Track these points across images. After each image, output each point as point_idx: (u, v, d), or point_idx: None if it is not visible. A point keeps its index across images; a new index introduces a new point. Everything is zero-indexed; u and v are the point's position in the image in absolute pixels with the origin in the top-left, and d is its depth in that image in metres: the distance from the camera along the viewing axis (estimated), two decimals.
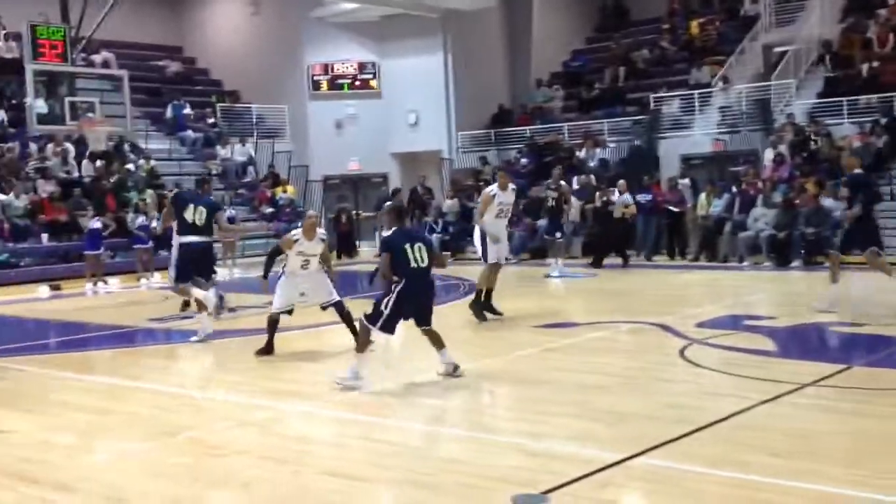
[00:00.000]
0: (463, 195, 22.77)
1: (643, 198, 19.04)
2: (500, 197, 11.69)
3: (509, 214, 11.99)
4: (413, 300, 7.79)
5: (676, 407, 6.73)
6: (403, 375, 8.49)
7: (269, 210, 23.76)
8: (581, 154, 22.93)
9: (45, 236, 19.63)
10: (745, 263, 17.25)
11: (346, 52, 26.72)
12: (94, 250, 18.00)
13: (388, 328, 7.79)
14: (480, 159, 24.70)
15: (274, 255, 9.73)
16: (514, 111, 26.96)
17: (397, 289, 7.70)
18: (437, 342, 8.07)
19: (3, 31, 24.06)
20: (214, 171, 24.69)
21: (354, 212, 24.96)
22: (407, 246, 7.74)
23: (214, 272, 11.54)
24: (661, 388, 7.52)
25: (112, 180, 21.49)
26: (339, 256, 22.89)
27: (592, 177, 21.33)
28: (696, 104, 22.64)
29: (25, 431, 6.80)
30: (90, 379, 9.12)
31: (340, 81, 26.71)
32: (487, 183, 23.28)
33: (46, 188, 20.32)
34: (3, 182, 19.77)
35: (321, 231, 9.52)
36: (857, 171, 11.13)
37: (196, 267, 10.99)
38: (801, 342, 9.74)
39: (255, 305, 13.97)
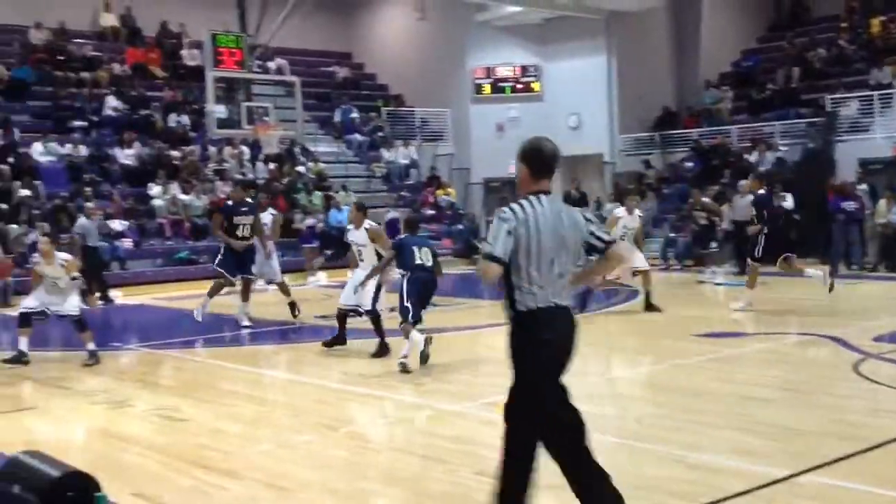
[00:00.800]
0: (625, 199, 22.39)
1: (848, 205, 18.00)
2: (625, 220, 12.51)
3: (632, 236, 12.63)
4: (418, 287, 9.01)
5: (847, 423, 6.40)
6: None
7: (431, 212, 24.15)
8: (751, 158, 22.12)
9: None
10: None
11: (509, 55, 26.83)
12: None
13: (418, 314, 8.99)
14: (643, 163, 24.23)
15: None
16: (680, 113, 26.31)
17: (405, 281, 9.00)
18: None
19: (187, 40, 25.55)
20: (378, 174, 25.33)
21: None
22: (415, 248, 9.14)
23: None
24: (831, 404, 7.16)
25: (283, 182, 22.41)
26: None
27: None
28: (876, 106, 21.39)
29: (201, 420, 7.19)
30: (259, 372, 9.55)
31: (502, 85, 26.84)
32: (650, 187, 23.00)
33: (224, 189, 21.38)
34: (184, 183, 20.96)
35: (368, 222, 10.01)
36: (760, 191, 12.95)
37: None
38: None
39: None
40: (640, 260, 12.55)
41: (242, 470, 5.76)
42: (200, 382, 8.99)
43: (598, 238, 4.32)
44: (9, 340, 11.16)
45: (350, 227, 10.18)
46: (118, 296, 16.64)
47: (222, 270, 12.34)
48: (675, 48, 26.83)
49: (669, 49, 26.72)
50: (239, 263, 12.34)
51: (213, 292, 12.39)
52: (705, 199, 16.87)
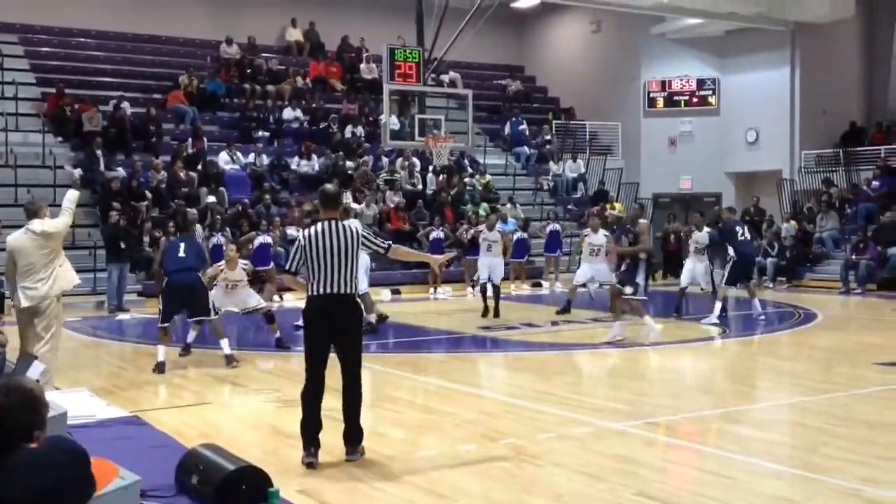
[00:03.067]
0: (804, 218, 21.45)
1: None
2: (590, 238, 14.76)
3: (599, 253, 14.65)
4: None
5: None
6: (726, 403, 8.18)
7: None
8: None
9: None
10: None
11: (685, 67, 26.22)
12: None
13: None
14: (825, 181, 23.07)
15: None
16: (868, 129, 24.91)
17: None
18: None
19: (366, 54, 26.39)
20: (545, 187, 25.28)
21: (684, 232, 24.32)
22: None
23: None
24: None
25: (451, 193, 22.72)
26: (664, 276, 22.46)
27: None
28: None
29: (365, 423, 7.32)
30: (422, 379, 9.71)
31: (677, 98, 26.26)
32: (831, 206, 21.85)
33: (393, 199, 21.92)
34: (357, 192, 21.60)
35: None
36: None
37: None
38: None
39: (579, 321, 14.16)
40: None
41: (403, 475, 5.86)
42: (366, 387, 9.18)
43: (374, 244, 6.41)
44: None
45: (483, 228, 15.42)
46: (290, 299, 17.33)
47: None
48: (865, 60, 25.48)
49: (859, 61, 25.40)
50: None
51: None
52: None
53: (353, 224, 6.54)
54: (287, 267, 6.38)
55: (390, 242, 6.62)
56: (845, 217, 21.77)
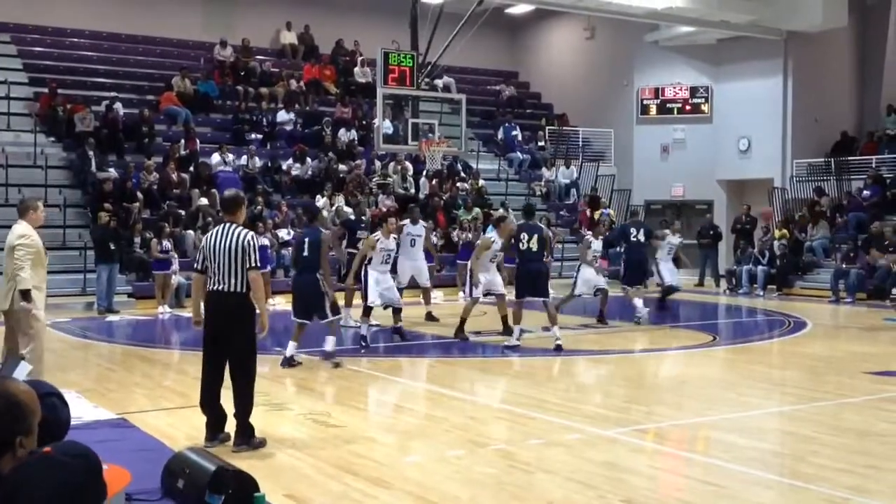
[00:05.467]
0: (795, 227, 21.49)
1: None
2: (497, 245, 12.52)
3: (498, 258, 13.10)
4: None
5: None
6: (716, 410, 8.18)
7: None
8: None
9: None
10: None
11: (678, 75, 26.27)
12: (429, 263, 19.05)
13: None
14: (816, 190, 23.14)
15: None
16: (860, 139, 25.00)
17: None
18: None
19: (360, 58, 26.39)
20: (538, 192, 25.30)
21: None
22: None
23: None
24: None
25: (444, 197, 22.70)
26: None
27: None
28: None
29: (355, 428, 7.35)
30: (413, 384, 9.68)
31: (670, 105, 26.31)
32: (822, 215, 21.91)
33: (386, 203, 21.89)
34: (350, 196, 21.58)
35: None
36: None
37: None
38: None
39: (569, 327, 14.14)
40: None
41: (392, 480, 5.84)
42: (357, 391, 9.20)
43: (250, 258, 6.55)
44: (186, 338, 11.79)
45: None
46: (280, 302, 17.28)
47: None
48: (857, 70, 25.59)
49: (851, 71, 25.49)
50: None
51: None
52: None
53: (247, 231, 6.69)
54: (195, 267, 6.85)
55: (258, 268, 6.64)
56: (836, 226, 21.83)
